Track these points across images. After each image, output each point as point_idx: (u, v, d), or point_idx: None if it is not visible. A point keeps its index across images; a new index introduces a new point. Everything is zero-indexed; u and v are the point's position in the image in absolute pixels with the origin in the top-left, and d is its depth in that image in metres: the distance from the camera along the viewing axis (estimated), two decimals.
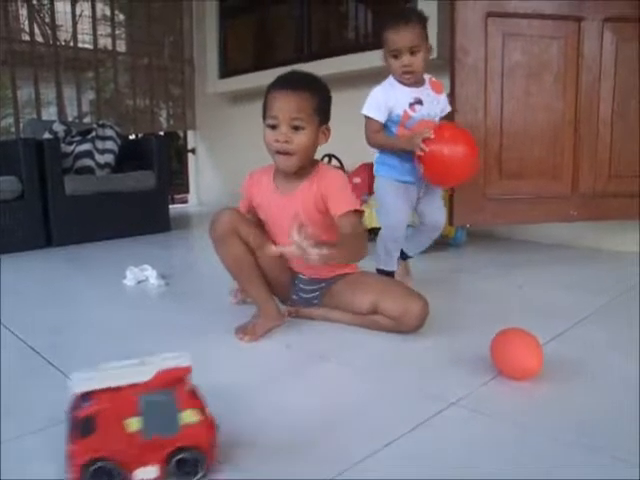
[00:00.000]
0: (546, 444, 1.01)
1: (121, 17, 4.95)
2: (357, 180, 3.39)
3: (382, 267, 1.98)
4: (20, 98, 4.33)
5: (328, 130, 1.55)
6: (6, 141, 3.97)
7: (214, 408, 0.93)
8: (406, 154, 1.86)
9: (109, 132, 3.61)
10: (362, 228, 1.58)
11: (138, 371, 0.88)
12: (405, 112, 1.88)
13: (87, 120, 4.65)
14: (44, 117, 4.40)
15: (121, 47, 4.92)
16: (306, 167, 1.57)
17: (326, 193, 1.53)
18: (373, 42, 3.61)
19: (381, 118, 1.88)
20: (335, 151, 3.72)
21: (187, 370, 0.89)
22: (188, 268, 2.75)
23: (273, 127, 1.49)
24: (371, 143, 1.94)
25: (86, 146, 3.50)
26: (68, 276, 2.57)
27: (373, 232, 3.06)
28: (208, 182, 5.32)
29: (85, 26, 4.67)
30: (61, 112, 4.55)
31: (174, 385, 0.88)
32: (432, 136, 1.76)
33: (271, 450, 1.00)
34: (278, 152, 1.50)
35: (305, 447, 1.01)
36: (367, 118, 1.91)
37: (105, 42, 4.84)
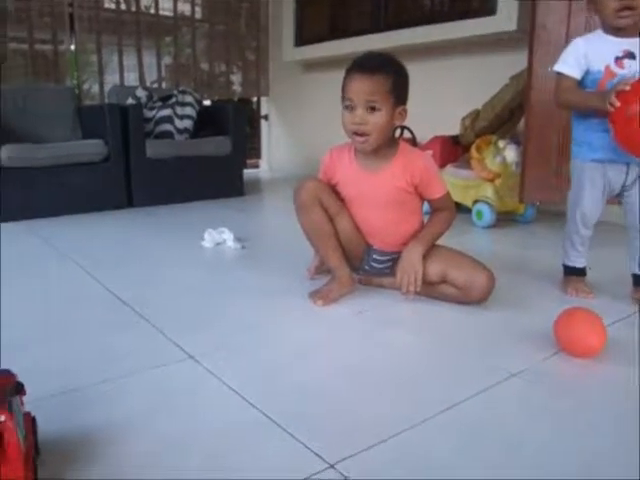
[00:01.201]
0: (603, 419, 1.06)
1: None
2: (429, 153, 3.40)
3: (567, 262, 1.82)
4: (103, 64, 4.53)
5: (405, 111, 1.59)
6: (93, 106, 4.19)
7: (289, 366, 1.01)
8: (603, 120, 1.56)
9: (188, 98, 3.76)
10: (452, 203, 1.76)
11: None
12: (607, 68, 1.58)
13: (163, 86, 4.82)
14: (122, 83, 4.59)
15: (199, 14, 5.04)
16: (384, 146, 1.62)
17: (419, 179, 1.63)
18: (448, 13, 3.58)
19: (576, 74, 1.62)
20: (407, 123, 3.73)
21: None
22: (263, 232, 2.86)
23: (350, 109, 1.55)
24: (559, 102, 1.69)
25: (166, 112, 3.66)
26: (149, 236, 2.74)
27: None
28: (279, 148, 5.45)
29: None
30: (141, 78, 4.73)
31: None
32: (628, 88, 1.45)
33: (338, 406, 1.10)
34: (355, 133, 1.57)
35: (366, 406, 1.10)
36: (559, 75, 1.65)
37: (183, 9, 4.97)
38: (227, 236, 2.40)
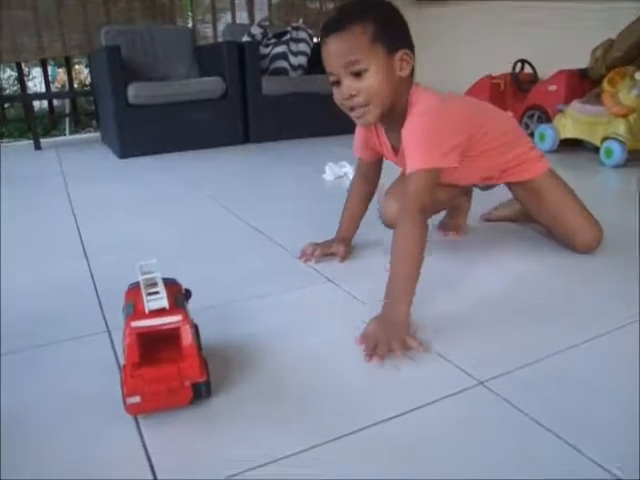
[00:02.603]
0: None
1: None
2: (553, 88, 3.20)
3: None
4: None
5: (408, 55, 1.20)
6: (210, 45, 4.27)
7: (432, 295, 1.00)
8: None
9: (302, 34, 3.73)
10: (424, 196, 1.17)
11: None
12: None
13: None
14: (228, 21, 4.63)
15: None
16: (397, 108, 1.25)
17: (405, 142, 1.23)
18: None
19: None
20: (528, 56, 3.52)
21: None
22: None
23: (336, 84, 1.22)
24: None
25: (281, 48, 3.65)
26: (271, 169, 2.80)
27: (565, 142, 2.96)
28: None
29: None
30: (251, 16, 4.74)
31: None
32: None
33: (482, 331, 1.08)
34: (351, 109, 1.23)
35: (509, 333, 1.08)
36: None
37: None
38: (348, 169, 2.40)
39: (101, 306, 1.22)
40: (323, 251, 1.48)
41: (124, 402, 0.79)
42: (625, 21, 2.87)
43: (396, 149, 1.35)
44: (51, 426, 0.82)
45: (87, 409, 0.86)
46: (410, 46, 1.21)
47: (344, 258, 1.47)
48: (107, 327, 1.13)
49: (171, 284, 0.89)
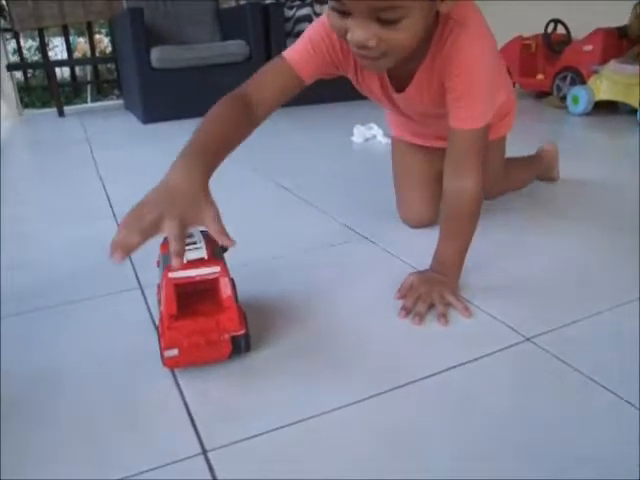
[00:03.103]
0: None
1: None
2: (588, 48, 3.08)
3: None
4: None
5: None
6: (233, 7, 4.18)
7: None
8: None
9: None
10: (482, 158, 0.97)
11: None
12: None
13: None
14: None
15: None
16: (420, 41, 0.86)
17: (451, 83, 0.94)
18: None
19: None
20: (561, 15, 3.39)
21: None
22: None
23: (343, 14, 0.80)
24: None
25: (305, 10, 3.57)
26: (299, 132, 2.77)
27: (600, 105, 2.86)
28: None
29: None
30: None
31: None
32: None
33: (527, 288, 1.04)
34: (360, 53, 0.84)
35: (552, 293, 1.04)
36: None
37: None
38: (376, 131, 2.35)
39: (132, 263, 1.20)
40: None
41: (161, 355, 0.77)
42: None
43: (401, 85, 1.02)
44: (87, 381, 0.81)
45: (123, 364, 0.84)
46: None
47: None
48: (139, 284, 1.11)
49: (208, 236, 0.86)
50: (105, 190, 1.84)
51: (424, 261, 1.05)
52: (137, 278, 1.14)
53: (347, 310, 0.98)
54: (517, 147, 1.47)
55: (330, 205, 1.53)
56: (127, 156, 2.44)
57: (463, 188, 0.98)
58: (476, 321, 0.92)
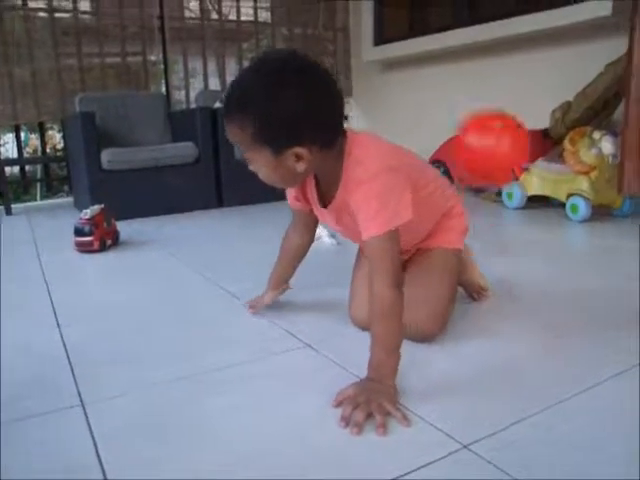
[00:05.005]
0: None
1: None
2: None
3: None
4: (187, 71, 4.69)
5: (302, 153, 1.04)
6: (183, 110, 4.35)
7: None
8: None
9: None
10: (389, 263, 1.07)
11: None
12: None
13: None
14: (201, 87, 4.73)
15: (275, 17, 5.11)
16: (325, 168, 1.15)
17: (355, 206, 1.11)
18: (536, 3, 3.48)
19: None
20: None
21: None
22: None
23: None
24: None
25: None
26: (242, 234, 2.82)
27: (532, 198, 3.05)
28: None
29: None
30: (223, 82, 4.86)
31: None
32: None
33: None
34: None
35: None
36: None
37: (266, 16, 5.06)
38: (322, 231, 2.42)
39: (74, 377, 1.18)
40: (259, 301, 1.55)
41: None
42: (579, 85, 3.04)
43: (325, 202, 1.23)
44: None
45: None
46: (315, 135, 1.05)
47: (269, 303, 1.55)
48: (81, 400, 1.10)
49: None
50: (50, 295, 1.82)
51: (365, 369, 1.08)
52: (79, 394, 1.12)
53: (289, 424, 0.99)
54: None
55: (274, 310, 1.56)
56: (73, 258, 2.43)
57: (377, 291, 1.07)
58: (414, 429, 0.95)
